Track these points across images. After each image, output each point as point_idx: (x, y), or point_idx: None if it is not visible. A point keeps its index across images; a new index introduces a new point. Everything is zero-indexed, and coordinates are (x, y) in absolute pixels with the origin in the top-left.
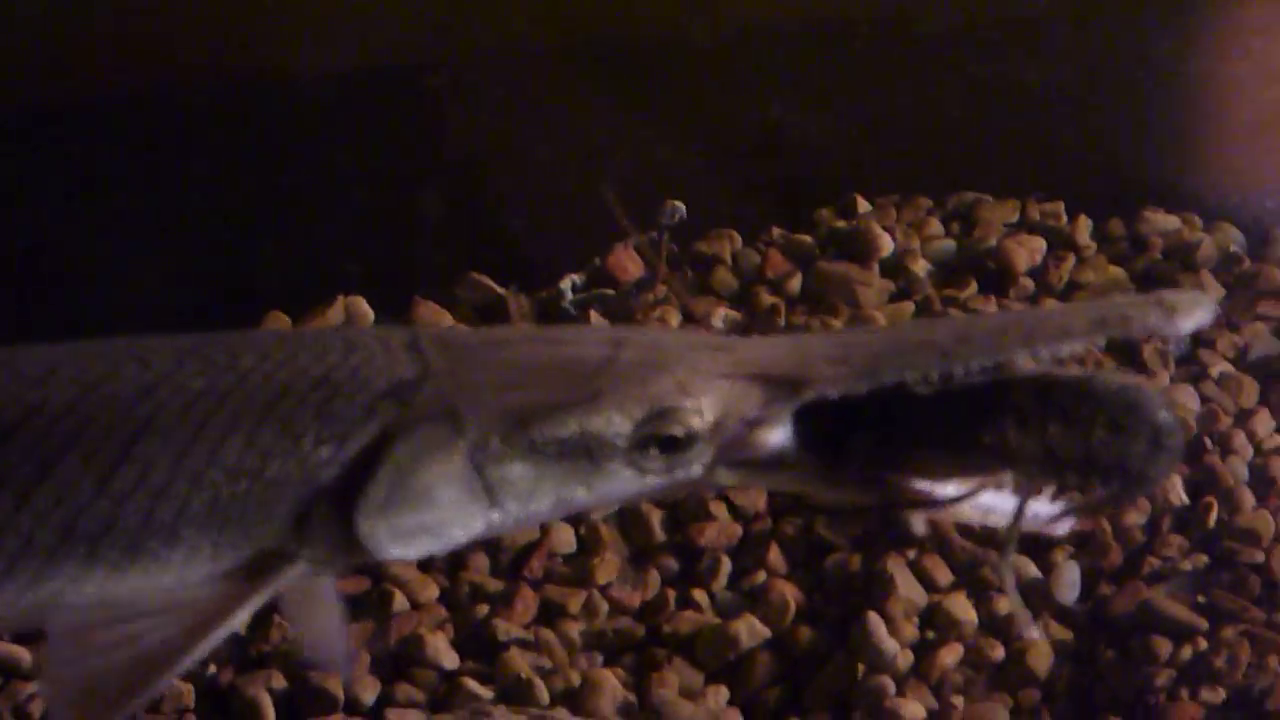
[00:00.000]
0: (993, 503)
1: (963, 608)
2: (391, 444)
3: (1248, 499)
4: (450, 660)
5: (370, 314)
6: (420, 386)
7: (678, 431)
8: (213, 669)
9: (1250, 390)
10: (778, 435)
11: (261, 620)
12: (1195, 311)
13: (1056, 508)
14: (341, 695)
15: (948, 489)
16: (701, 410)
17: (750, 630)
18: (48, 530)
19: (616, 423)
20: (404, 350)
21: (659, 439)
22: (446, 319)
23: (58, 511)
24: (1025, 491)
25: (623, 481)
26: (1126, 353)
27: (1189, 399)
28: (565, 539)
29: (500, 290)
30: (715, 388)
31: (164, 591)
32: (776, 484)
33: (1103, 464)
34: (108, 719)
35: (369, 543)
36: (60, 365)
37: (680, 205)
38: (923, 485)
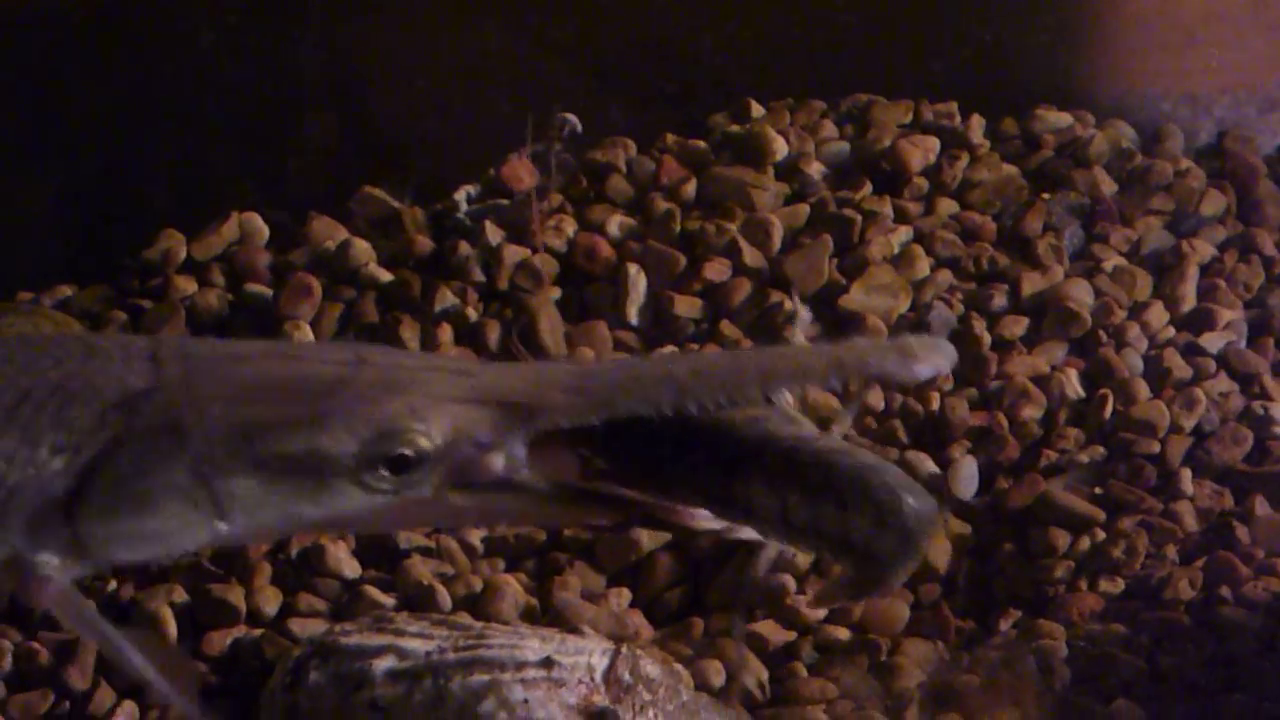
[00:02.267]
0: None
1: None
2: (115, 453)
3: (1142, 390)
4: (352, 569)
5: (265, 230)
6: (150, 397)
7: (406, 451)
8: (113, 584)
9: (1144, 283)
10: (506, 461)
11: None
12: (932, 358)
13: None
14: (243, 607)
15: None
16: (430, 433)
17: (651, 532)
18: None
19: (343, 441)
20: (141, 360)
21: (387, 459)
22: (341, 233)
23: None
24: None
25: (350, 499)
26: (1020, 247)
27: (1084, 293)
28: None
29: (395, 204)
30: (447, 411)
31: None
32: (509, 507)
33: (828, 535)
34: None
35: (90, 545)
36: None
37: (573, 118)
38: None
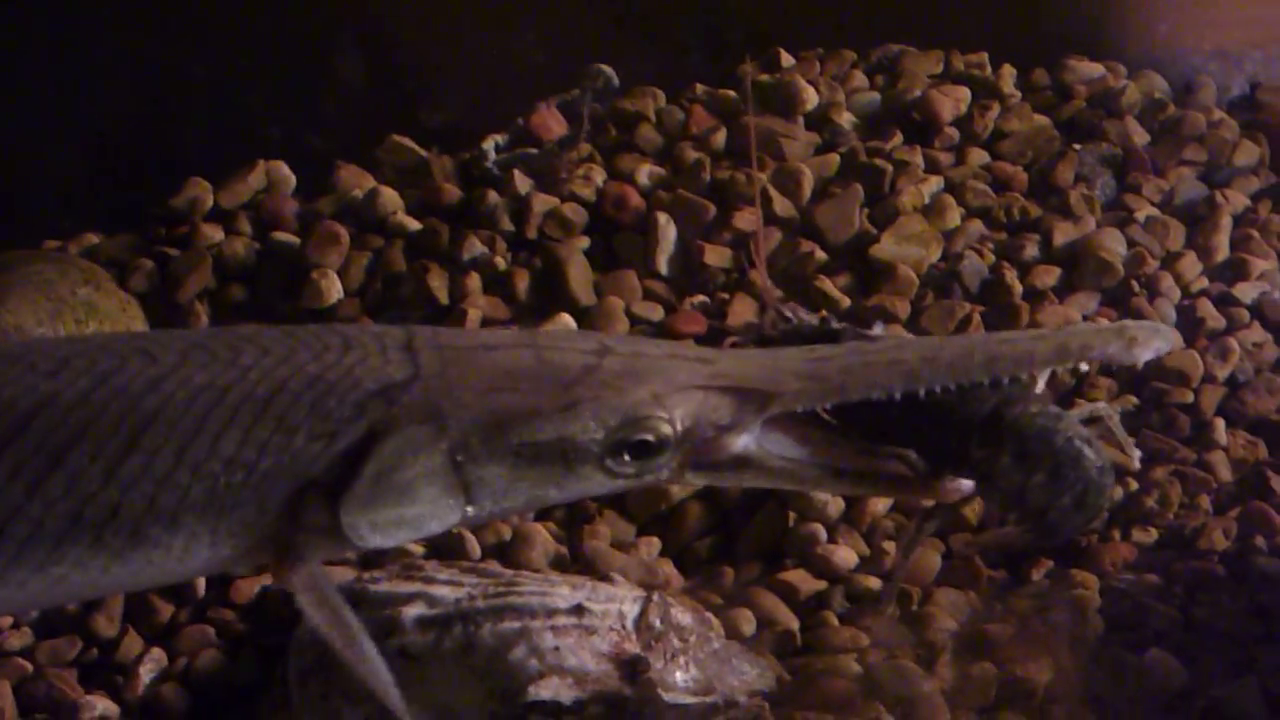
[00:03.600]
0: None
1: None
2: (377, 442)
3: (1175, 340)
4: None
5: (292, 178)
6: (409, 388)
7: (649, 438)
8: None
9: (1177, 233)
10: (743, 440)
11: None
12: (1154, 341)
13: None
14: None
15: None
16: (673, 419)
17: None
18: (56, 517)
19: (591, 429)
20: (398, 351)
21: (631, 445)
22: (369, 181)
23: (66, 499)
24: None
25: (594, 483)
26: (1052, 197)
27: (1116, 243)
28: None
29: (423, 152)
30: (689, 398)
31: (165, 575)
32: (743, 481)
33: (1031, 504)
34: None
35: (350, 533)
36: (72, 358)
37: (609, 70)
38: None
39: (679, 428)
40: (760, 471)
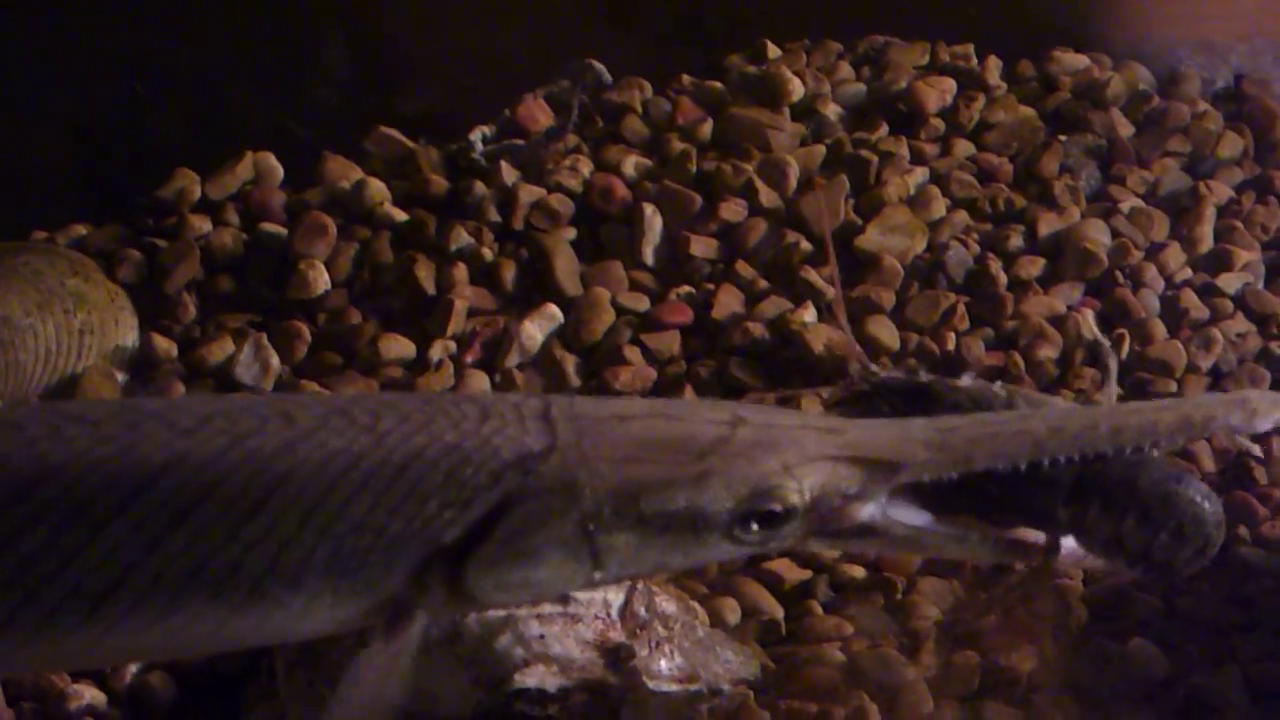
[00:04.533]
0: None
1: None
2: (511, 509)
3: (1159, 330)
4: None
5: (279, 170)
6: (546, 458)
7: (777, 508)
8: None
9: (1161, 224)
10: (870, 509)
11: None
12: (1276, 412)
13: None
14: None
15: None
16: (802, 490)
17: None
18: (176, 571)
19: (721, 499)
20: (535, 420)
21: (759, 515)
22: (356, 173)
23: (186, 555)
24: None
25: (719, 550)
26: (1036, 188)
27: (1100, 234)
28: (480, 384)
29: (410, 144)
30: (819, 469)
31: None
32: (864, 547)
33: (1130, 550)
34: None
35: (477, 592)
36: (213, 417)
37: (599, 66)
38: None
39: (808, 498)
40: (884, 539)
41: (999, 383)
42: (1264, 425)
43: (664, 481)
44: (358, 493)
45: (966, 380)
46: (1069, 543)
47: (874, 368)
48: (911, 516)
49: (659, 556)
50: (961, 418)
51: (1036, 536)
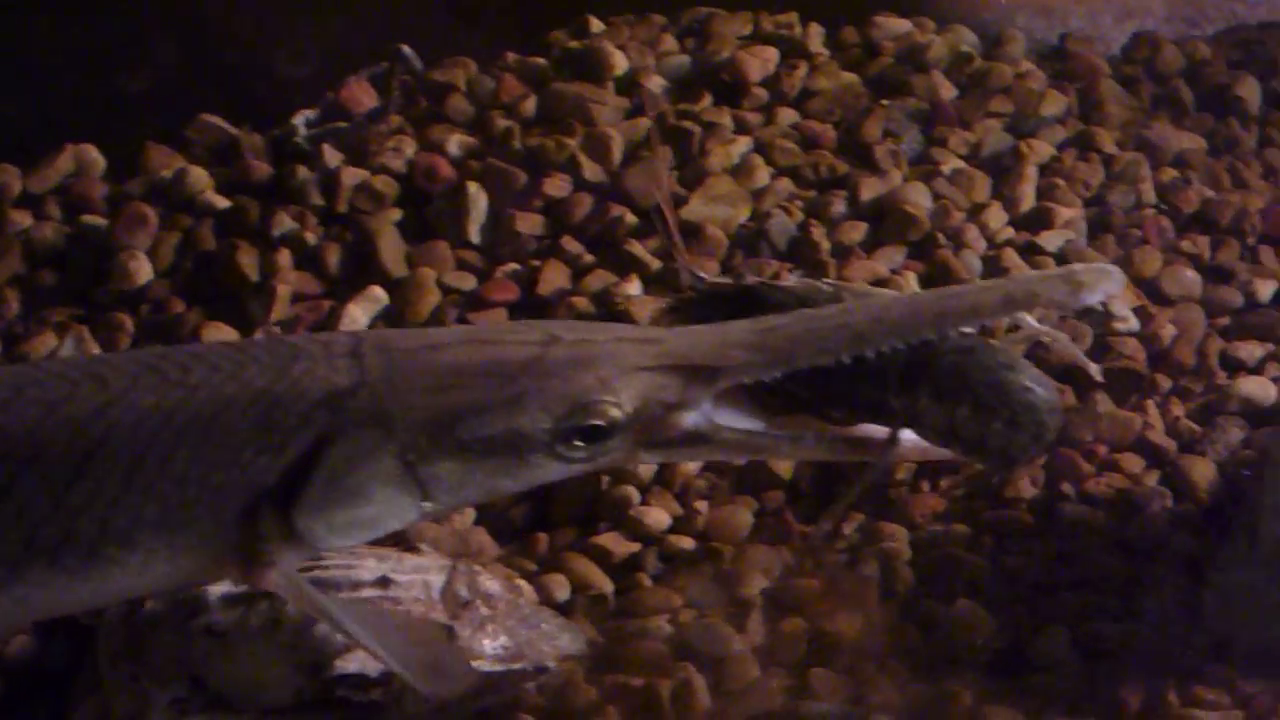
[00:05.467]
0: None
1: None
2: (326, 449)
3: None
4: None
5: (101, 161)
6: (354, 394)
7: (599, 423)
8: None
9: (982, 185)
10: (694, 417)
11: None
12: (1101, 284)
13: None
14: None
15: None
16: (621, 402)
17: None
18: (10, 543)
19: (539, 419)
20: (344, 357)
21: (581, 431)
22: (178, 161)
23: (19, 526)
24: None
25: (547, 470)
26: (859, 153)
27: (921, 197)
28: None
29: (233, 130)
30: (636, 380)
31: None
32: (698, 457)
33: (964, 439)
34: None
35: (308, 536)
36: (25, 387)
37: (409, 51)
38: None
39: (628, 410)
40: (715, 445)
41: (826, 280)
42: (1092, 298)
43: (478, 406)
44: (175, 447)
45: (793, 280)
46: (909, 435)
47: (702, 275)
48: (745, 422)
49: (487, 481)
50: (781, 316)
51: (876, 432)
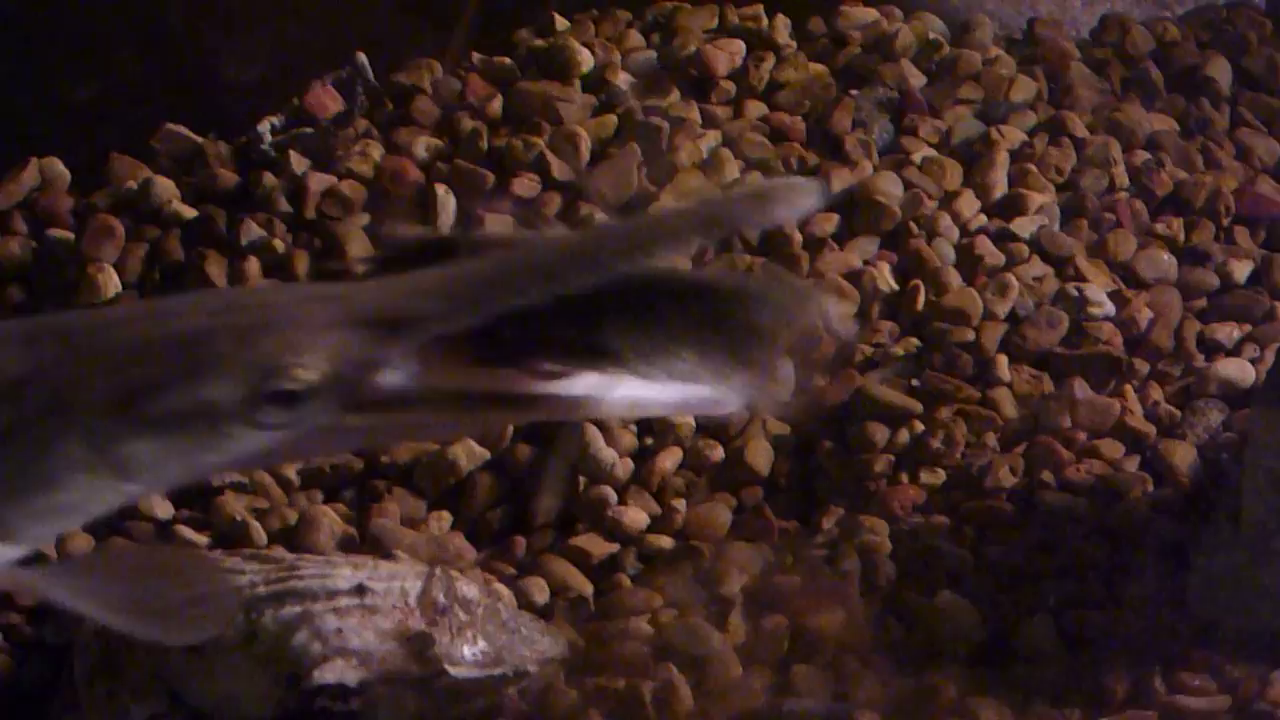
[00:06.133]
0: (635, 394)
1: None
2: (7, 443)
3: (954, 279)
4: (164, 510)
5: (66, 174)
6: (32, 382)
7: (291, 386)
8: None
9: (954, 173)
10: (398, 375)
11: None
12: (793, 199)
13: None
14: (54, 553)
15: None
16: (309, 364)
17: (469, 453)
18: None
19: (225, 388)
20: (14, 346)
21: (272, 396)
22: (144, 173)
23: None
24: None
25: (248, 441)
26: (829, 144)
27: (892, 186)
28: None
29: (198, 139)
30: (323, 339)
31: None
32: (416, 419)
33: (675, 350)
34: None
35: (11, 528)
36: None
37: (362, 59)
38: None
39: (320, 370)
40: (427, 406)
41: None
42: (786, 212)
43: (158, 380)
44: None
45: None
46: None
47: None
48: (451, 383)
49: (187, 457)
50: (474, 262)
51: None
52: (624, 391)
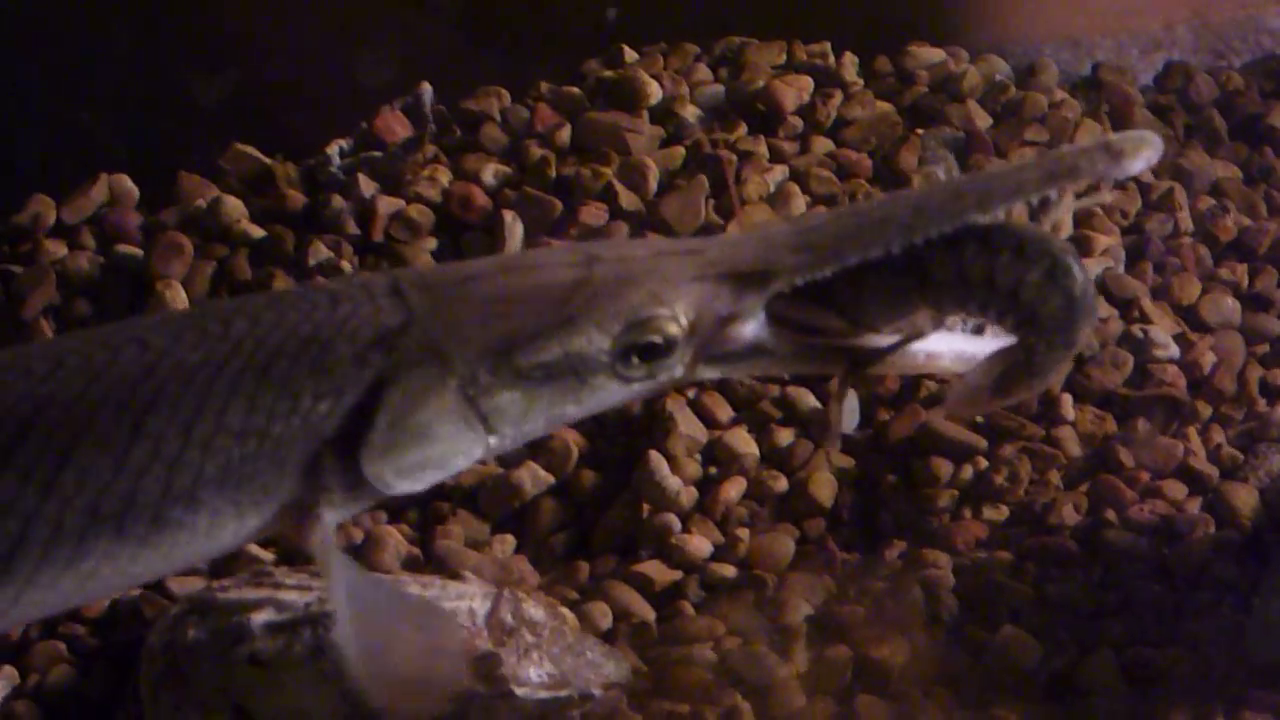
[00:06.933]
0: (962, 348)
1: (743, 441)
2: (385, 390)
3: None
4: None
5: (135, 191)
6: (407, 331)
7: (656, 339)
8: None
9: (1021, 214)
10: (752, 326)
11: None
12: (1142, 151)
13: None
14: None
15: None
16: (676, 315)
17: (534, 478)
18: (75, 514)
19: (596, 340)
20: (387, 297)
21: (639, 348)
22: (213, 191)
23: (81, 495)
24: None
25: (610, 392)
26: (895, 182)
27: None
28: None
29: (267, 160)
30: (687, 291)
31: (195, 555)
32: (756, 370)
33: (998, 287)
34: None
35: (378, 483)
36: (65, 357)
37: (427, 89)
38: (878, 341)
39: (684, 322)
40: (773, 357)
41: None
42: (1135, 166)
43: (533, 332)
44: (229, 401)
45: None
46: (933, 342)
47: None
48: (791, 339)
49: (550, 409)
50: (819, 215)
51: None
52: (952, 346)
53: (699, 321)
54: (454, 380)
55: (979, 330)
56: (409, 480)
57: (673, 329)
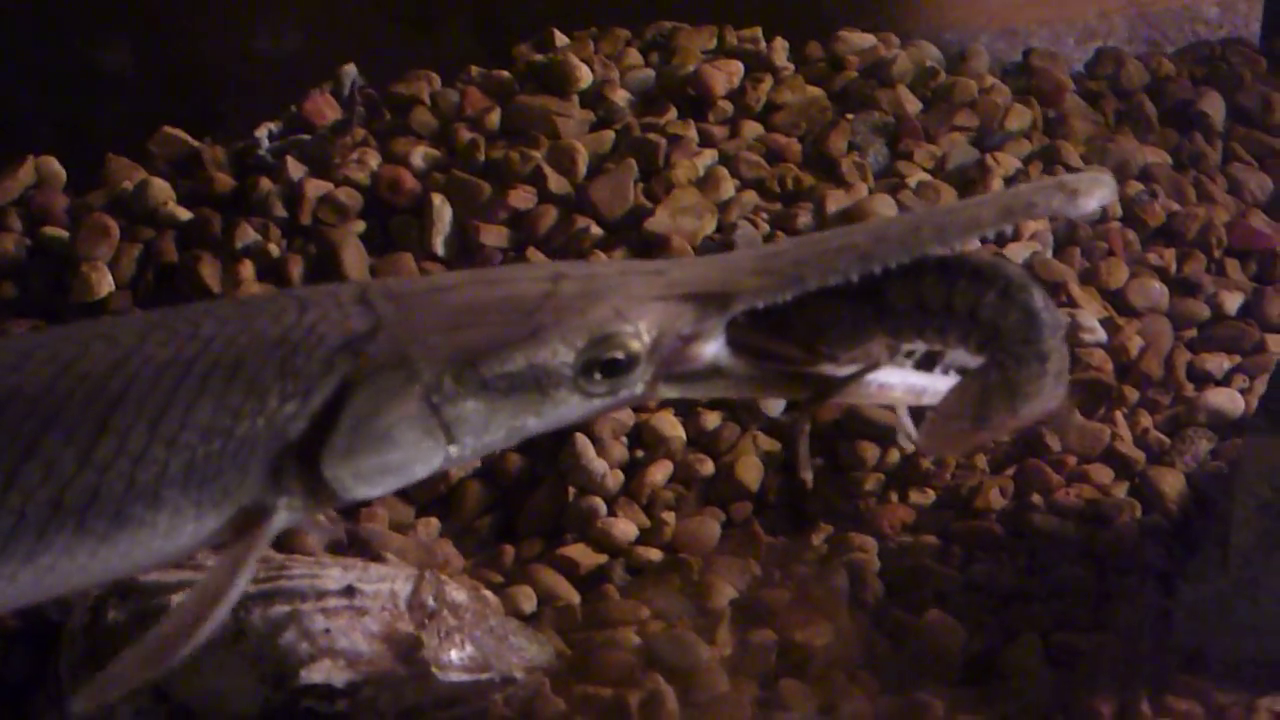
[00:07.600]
0: (913, 381)
1: (670, 425)
2: (351, 394)
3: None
4: None
5: (62, 174)
6: (374, 338)
7: (619, 355)
8: None
9: (948, 197)
10: (712, 348)
11: None
12: (1097, 190)
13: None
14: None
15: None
16: (639, 332)
17: None
18: (37, 506)
19: (561, 352)
20: (355, 304)
21: (602, 363)
22: (140, 174)
23: (45, 487)
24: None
25: (571, 406)
26: (824, 166)
27: (887, 209)
28: None
29: (195, 143)
30: (651, 309)
31: (154, 555)
32: (714, 391)
33: (960, 310)
34: (122, 693)
35: (337, 486)
36: (33, 350)
37: (351, 70)
38: (837, 371)
39: (646, 339)
40: (731, 379)
41: None
42: (1090, 205)
43: (498, 343)
44: (196, 398)
45: None
46: (891, 374)
47: None
48: (750, 363)
49: (511, 421)
50: (782, 243)
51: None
52: (904, 379)
53: (661, 339)
54: (418, 387)
55: (928, 365)
56: (367, 485)
57: (635, 345)
